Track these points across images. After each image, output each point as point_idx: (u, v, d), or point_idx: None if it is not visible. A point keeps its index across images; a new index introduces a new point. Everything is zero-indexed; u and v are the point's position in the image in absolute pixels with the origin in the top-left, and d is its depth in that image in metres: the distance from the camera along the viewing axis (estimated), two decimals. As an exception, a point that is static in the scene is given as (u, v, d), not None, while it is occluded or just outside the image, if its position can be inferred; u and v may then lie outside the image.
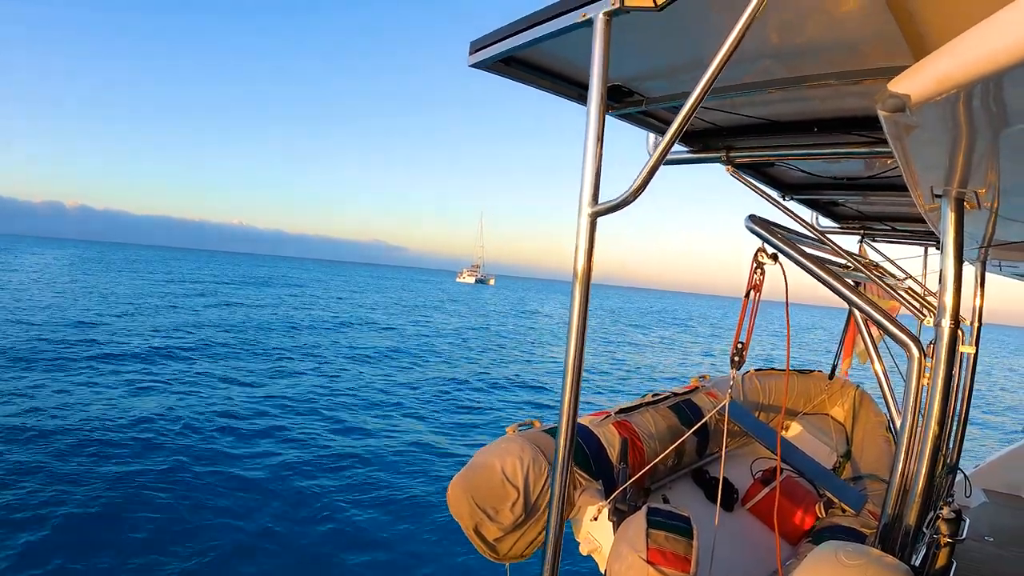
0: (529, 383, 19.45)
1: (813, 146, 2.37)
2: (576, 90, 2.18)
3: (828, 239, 2.91)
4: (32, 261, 65.78)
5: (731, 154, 2.60)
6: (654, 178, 1.47)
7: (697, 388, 3.88)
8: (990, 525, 4.40)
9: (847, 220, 4.29)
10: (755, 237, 2.45)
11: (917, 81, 0.89)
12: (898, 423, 2.05)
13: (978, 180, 1.44)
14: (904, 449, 1.94)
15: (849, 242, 4.43)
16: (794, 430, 4.68)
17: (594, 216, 1.47)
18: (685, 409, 3.49)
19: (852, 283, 4.42)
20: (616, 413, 3.17)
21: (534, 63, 2.05)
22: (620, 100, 2.26)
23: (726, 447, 3.98)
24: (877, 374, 2.85)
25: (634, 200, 1.42)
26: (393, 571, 6.85)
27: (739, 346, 2.58)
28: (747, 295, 2.56)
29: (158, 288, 42.33)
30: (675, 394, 3.70)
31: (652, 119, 2.50)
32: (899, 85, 0.93)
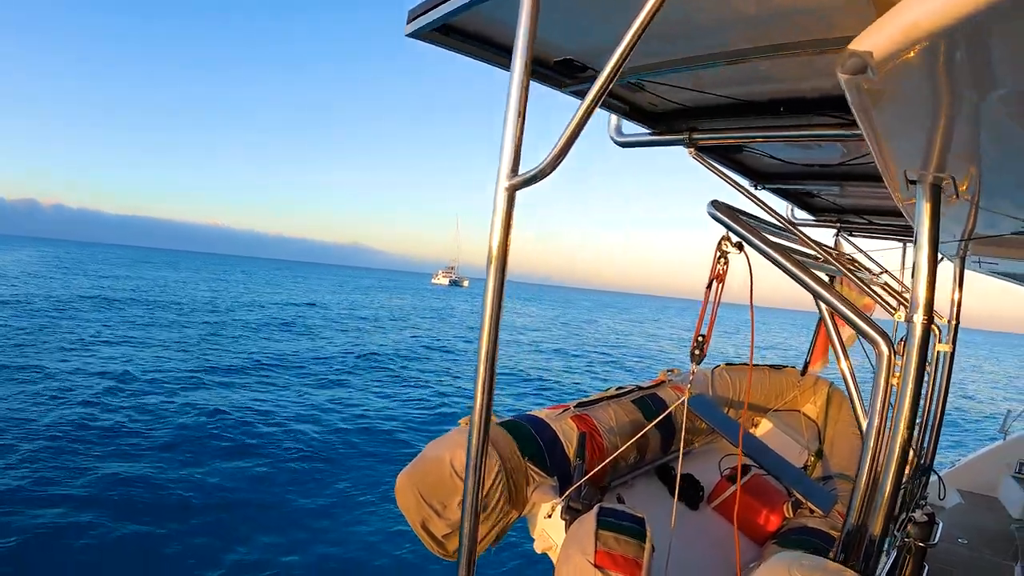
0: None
1: (780, 128, 2.22)
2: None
3: (797, 229, 2.76)
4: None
5: (694, 136, 2.45)
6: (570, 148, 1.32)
7: (664, 382, 3.75)
8: (965, 527, 4.35)
9: (823, 212, 4.18)
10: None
11: (882, 34, 0.80)
12: (864, 424, 1.92)
13: (956, 164, 1.34)
14: (871, 452, 1.83)
15: (826, 236, 4.33)
16: (765, 427, 4.57)
17: (512, 190, 1.33)
18: (649, 403, 3.36)
19: (827, 278, 4.32)
20: (575, 407, 3.06)
21: (472, 32, 1.89)
22: (573, 76, 2.10)
23: (694, 444, 3.85)
24: (843, 372, 2.72)
25: (552, 170, 1.29)
26: (346, 565, 6.70)
27: (700, 340, 2.48)
28: (709, 286, 2.45)
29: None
30: (640, 388, 3.59)
31: (610, 98, 2.35)
32: (861, 42, 0.84)
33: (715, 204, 2.26)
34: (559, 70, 2.05)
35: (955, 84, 0.88)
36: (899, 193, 1.67)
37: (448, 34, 1.83)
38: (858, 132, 1.98)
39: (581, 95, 2.26)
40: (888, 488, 1.72)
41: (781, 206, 4.04)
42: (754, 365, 4.68)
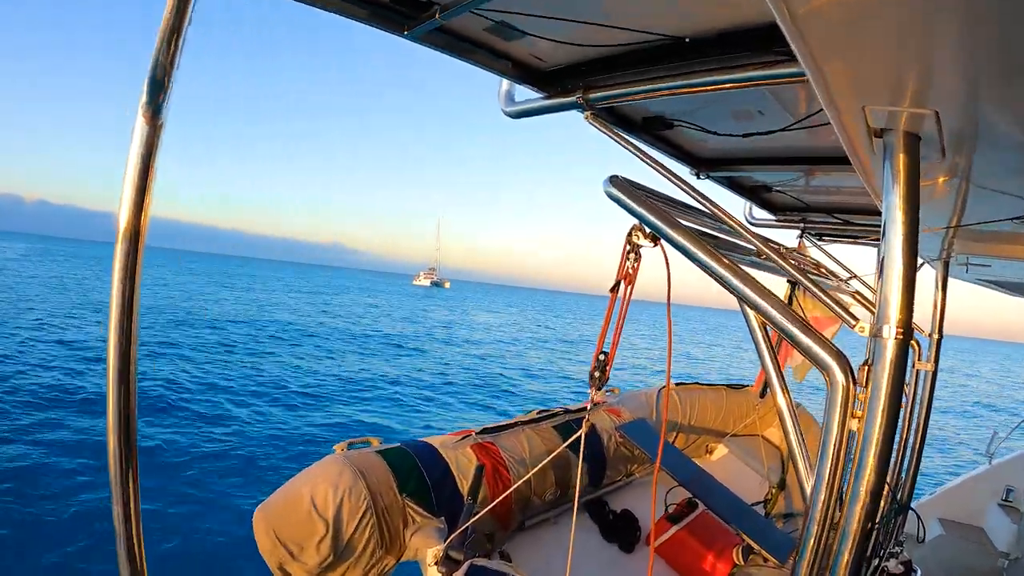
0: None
1: (689, 74, 1.70)
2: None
3: (725, 212, 2.06)
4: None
5: (588, 95, 1.95)
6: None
7: (597, 404, 3.23)
8: (947, 563, 3.96)
9: (786, 211, 3.67)
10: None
11: None
12: (808, 486, 1.42)
13: (943, 91, 0.86)
14: (816, 525, 1.28)
15: (790, 239, 3.83)
16: (720, 453, 4.11)
17: (153, 121, 0.95)
18: (575, 429, 2.83)
19: (782, 289, 3.80)
20: (479, 433, 2.61)
21: None
22: (415, 16, 1.65)
23: (633, 475, 3.35)
24: (779, 407, 1.93)
25: (172, 69, 0.96)
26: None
27: (601, 359, 1.96)
28: (615, 288, 1.91)
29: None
30: (568, 411, 3.12)
31: (489, 54, 1.88)
32: None
33: (614, 180, 1.73)
34: (398, 9, 1.60)
35: None
36: (862, 153, 1.14)
37: None
38: (786, 71, 1.46)
39: (427, 41, 1.73)
40: (843, 570, 1.22)
41: (739, 204, 3.54)
42: (709, 384, 4.23)
